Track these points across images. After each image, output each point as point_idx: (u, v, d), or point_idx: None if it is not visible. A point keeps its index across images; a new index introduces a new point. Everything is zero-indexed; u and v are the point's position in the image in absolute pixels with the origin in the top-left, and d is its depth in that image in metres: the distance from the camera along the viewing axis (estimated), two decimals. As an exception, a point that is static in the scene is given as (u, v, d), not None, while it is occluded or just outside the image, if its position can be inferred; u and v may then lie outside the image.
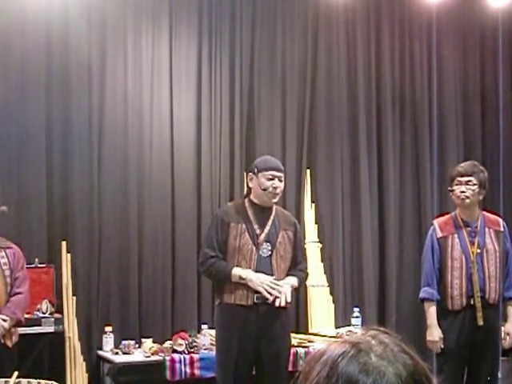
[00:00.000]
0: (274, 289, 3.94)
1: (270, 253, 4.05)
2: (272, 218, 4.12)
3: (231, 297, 4.00)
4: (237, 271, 3.98)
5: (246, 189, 5.78)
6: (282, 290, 3.96)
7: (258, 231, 4.05)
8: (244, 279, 3.95)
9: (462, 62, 6.80)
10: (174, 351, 5.06)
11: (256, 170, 4.09)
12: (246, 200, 4.16)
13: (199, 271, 4.35)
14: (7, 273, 4.16)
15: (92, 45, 5.45)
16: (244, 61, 5.93)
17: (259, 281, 3.94)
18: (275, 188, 4.05)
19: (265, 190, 4.04)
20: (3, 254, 4.18)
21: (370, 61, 6.40)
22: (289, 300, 3.99)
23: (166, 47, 5.70)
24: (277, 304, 3.94)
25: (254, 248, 4.02)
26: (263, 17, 6.03)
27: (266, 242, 4.05)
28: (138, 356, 5.06)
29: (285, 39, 6.10)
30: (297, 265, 4.17)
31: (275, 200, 4.14)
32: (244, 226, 4.04)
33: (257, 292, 3.96)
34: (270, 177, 4.05)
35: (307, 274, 4.32)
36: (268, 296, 3.93)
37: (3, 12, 5.19)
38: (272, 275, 4.01)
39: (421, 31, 6.59)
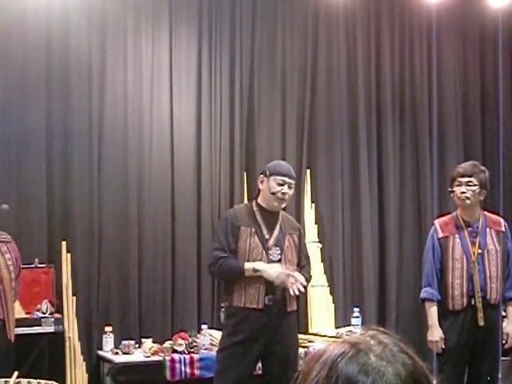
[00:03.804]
0: (290, 275, 3.94)
1: (279, 257, 4.05)
2: (279, 222, 4.12)
3: (241, 300, 3.98)
4: (249, 264, 3.95)
5: (246, 189, 5.83)
6: (296, 275, 3.97)
7: (266, 236, 4.05)
8: (258, 271, 3.93)
9: (462, 61, 6.80)
10: (174, 351, 5.06)
11: (267, 173, 4.07)
12: (254, 203, 4.15)
13: (210, 273, 4.29)
14: (11, 268, 4.16)
15: (92, 45, 5.45)
16: (244, 61, 5.93)
17: (274, 270, 3.93)
18: (284, 194, 4.04)
19: (273, 194, 4.03)
20: (5, 248, 4.17)
21: (370, 61, 6.40)
22: (302, 289, 3.99)
23: (166, 47, 5.70)
24: (292, 293, 3.94)
25: (264, 252, 4.02)
26: (263, 17, 6.03)
27: (275, 246, 4.05)
28: (137, 356, 5.06)
29: (285, 39, 6.10)
30: (301, 269, 4.17)
31: (283, 205, 4.14)
32: (253, 229, 4.03)
33: (267, 294, 3.96)
34: (281, 182, 4.03)
35: (311, 277, 4.33)
36: (291, 291, 3.93)
37: (3, 12, 5.19)
38: None
39: (421, 31, 6.59)
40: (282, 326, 4.01)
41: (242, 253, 4.01)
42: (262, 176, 4.12)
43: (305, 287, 4.17)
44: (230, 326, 4.04)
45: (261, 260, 4.00)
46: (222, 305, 4.84)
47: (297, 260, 4.14)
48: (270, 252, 4.03)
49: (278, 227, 4.10)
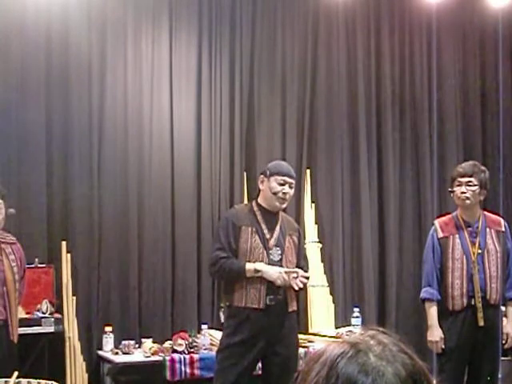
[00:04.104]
0: (290, 273, 3.95)
1: (280, 257, 4.05)
2: (279, 222, 4.12)
3: (242, 300, 3.97)
4: (250, 265, 3.95)
5: (246, 189, 5.83)
6: (297, 270, 3.98)
7: (267, 235, 4.05)
8: (259, 271, 3.93)
9: (462, 62, 6.80)
10: (174, 351, 5.06)
11: (268, 173, 4.07)
12: (254, 203, 4.15)
13: (210, 273, 4.28)
14: (15, 270, 4.15)
15: (92, 45, 5.45)
16: (244, 61, 5.93)
17: (275, 270, 3.93)
18: (285, 193, 4.04)
19: (275, 193, 4.04)
20: (10, 250, 4.16)
21: (370, 61, 6.41)
22: (305, 281, 4.00)
23: (166, 47, 5.70)
24: (296, 287, 3.94)
25: (265, 252, 4.01)
26: (263, 17, 6.04)
27: (276, 246, 4.05)
28: (137, 356, 5.06)
29: (285, 39, 6.10)
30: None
31: (284, 205, 4.14)
32: (254, 229, 4.03)
33: (268, 294, 3.96)
34: (282, 182, 4.04)
35: (308, 278, 4.33)
36: (294, 286, 3.93)
37: (3, 12, 5.19)
38: None
39: (421, 31, 6.59)
40: (282, 326, 4.01)
41: (242, 253, 4.00)
42: (262, 176, 4.12)
43: (304, 286, 4.17)
44: (231, 326, 4.03)
45: (262, 260, 3.99)
46: (222, 305, 4.84)
47: (296, 261, 4.15)
48: (270, 252, 4.03)
49: (278, 227, 4.10)
